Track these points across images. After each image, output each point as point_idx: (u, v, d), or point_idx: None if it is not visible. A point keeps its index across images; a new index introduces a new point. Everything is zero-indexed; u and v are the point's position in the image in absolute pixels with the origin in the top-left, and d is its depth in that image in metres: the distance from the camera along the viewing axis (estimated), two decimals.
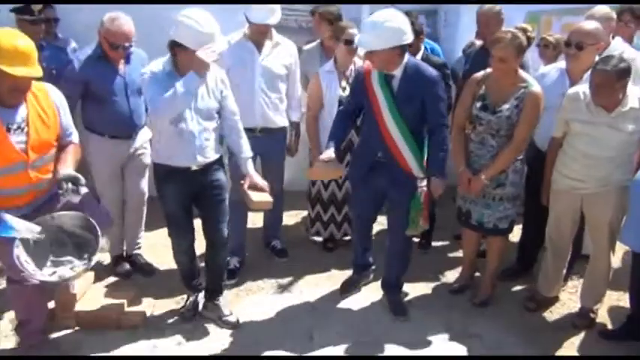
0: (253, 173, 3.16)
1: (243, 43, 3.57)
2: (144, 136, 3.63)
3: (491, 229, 3.40)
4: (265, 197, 3.10)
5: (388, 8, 3.05)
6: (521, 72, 3.23)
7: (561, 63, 3.51)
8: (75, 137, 2.82)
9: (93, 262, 2.60)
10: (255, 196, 3.08)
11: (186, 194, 3.09)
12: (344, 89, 3.75)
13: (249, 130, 3.34)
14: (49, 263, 2.59)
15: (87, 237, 2.62)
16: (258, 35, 3.54)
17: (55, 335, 3.12)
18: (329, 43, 3.95)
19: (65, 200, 2.62)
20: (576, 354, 3.13)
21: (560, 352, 3.14)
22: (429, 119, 3.13)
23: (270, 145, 3.73)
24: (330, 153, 3.13)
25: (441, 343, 3.18)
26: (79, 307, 3.22)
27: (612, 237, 3.21)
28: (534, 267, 3.81)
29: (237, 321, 3.28)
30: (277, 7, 3.49)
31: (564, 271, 3.49)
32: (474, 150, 3.31)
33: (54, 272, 2.58)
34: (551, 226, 3.38)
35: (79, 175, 2.62)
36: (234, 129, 3.16)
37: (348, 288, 3.63)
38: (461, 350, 3.13)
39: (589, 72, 3.23)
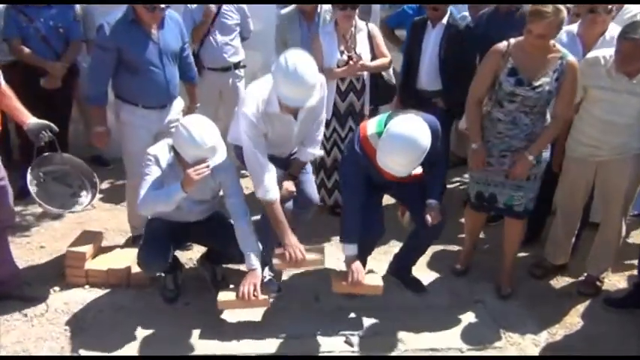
0: (258, 269, 2.94)
1: (278, 115, 2.96)
2: (178, 107, 3.49)
3: (521, 212, 3.18)
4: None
5: (406, 127, 2.64)
6: (552, 41, 2.94)
7: (571, 27, 3.38)
8: (2, 80, 2.88)
9: (97, 191, 3.20)
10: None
11: (178, 231, 3.11)
12: (342, 53, 3.70)
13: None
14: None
15: (64, 169, 3.08)
16: (289, 111, 2.96)
17: (64, 293, 3.18)
18: (306, 8, 3.85)
19: None
20: (580, 321, 3.15)
21: (564, 319, 3.15)
22: (431, 158, 2.83)
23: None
24: (357, 263, 2.96)
25: (446, 309, 3.20)
26: (89, 265, 3.26)
27: (625, 206, 3.18)
28: (542, 234, 3.79)
29: (228, 286, 3.25)
30: (316, 85, 2.83)
31: (573, 239, 3.46)
32: (504, 131, 3.04)
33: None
34: (562, 193, 3.34)
35: (51, 124, 2.89)
36: (238, 229, 2.98)
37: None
38: (466, 316, 3.15)
39: (602, 38, 3.15)
